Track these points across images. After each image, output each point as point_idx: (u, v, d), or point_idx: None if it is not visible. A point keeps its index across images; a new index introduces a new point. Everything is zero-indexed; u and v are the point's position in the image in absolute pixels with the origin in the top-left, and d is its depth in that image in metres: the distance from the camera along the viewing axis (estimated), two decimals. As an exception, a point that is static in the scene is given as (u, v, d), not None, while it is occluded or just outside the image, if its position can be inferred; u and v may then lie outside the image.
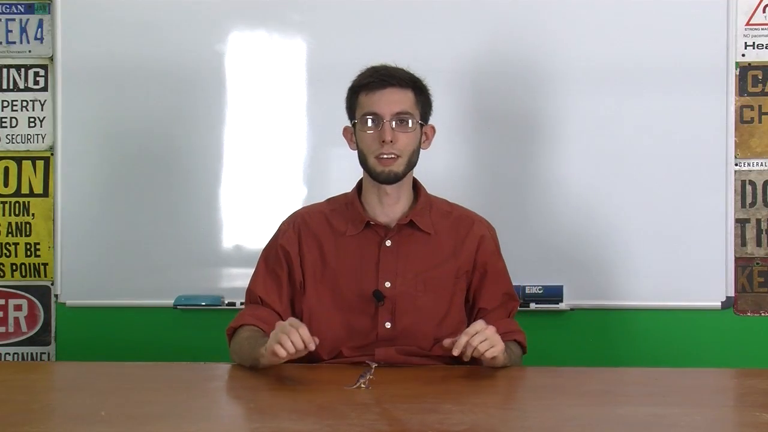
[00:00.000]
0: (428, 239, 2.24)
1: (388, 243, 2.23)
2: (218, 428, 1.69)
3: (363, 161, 2.20)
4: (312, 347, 1.95)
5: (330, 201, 2.32)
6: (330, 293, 2.22)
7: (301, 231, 2.26)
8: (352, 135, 2.23)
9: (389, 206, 2.23)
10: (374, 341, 2.19)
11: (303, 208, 2.35)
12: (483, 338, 1.98)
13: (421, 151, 2.24)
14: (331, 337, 2.20)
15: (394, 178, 2.17)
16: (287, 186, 2.98)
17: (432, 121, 2.27)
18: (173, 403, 1.82)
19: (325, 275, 2.24)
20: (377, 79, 2.16)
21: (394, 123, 2.14)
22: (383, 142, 2.13)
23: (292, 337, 1.94)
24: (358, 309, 2.21)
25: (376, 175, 2.18)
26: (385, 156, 2.15)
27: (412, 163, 2.21)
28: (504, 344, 2.10)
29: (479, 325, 2.01)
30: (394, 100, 2.15)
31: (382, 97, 2.15)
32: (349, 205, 2.26)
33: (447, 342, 2.01)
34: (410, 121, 2.16)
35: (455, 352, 1.98)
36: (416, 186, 2.28)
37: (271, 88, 2.98)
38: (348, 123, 2.26)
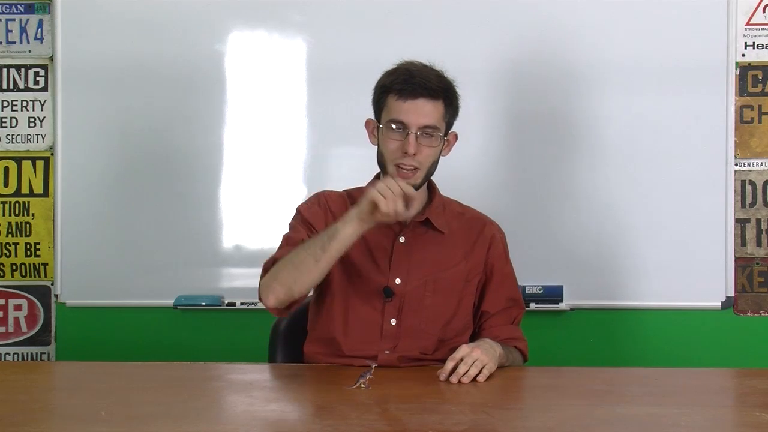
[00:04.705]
0: (441, 239, 2.24)
1: (402, 239, 2.22)
2: (218, 428, 1.69)
3: (382, 164, 2.19)
4: (412, 211, 2.05)
5: (348, 194, 2.29)
6: (340, 281, 2.22)
7: (328, 204, 2.24)
8: (374, 129, 2.21)
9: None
10: (378, 337, 2.19)
11: (322, 191, 2.32)
12: (471, 361, 1.97)
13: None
14: (336, 324, 2.20)
15: None
16: (287, 186, 2.98)
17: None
18: (173, 403, 1.82)
19: (337, 263, 2.22)
20: (410, 86, 2.13)
21: (419, 133, 2.12)
22: (405, 153, 2.12)
23: (398, 201, 1.98)
24: (366, 302, 2.20)
25: None
26: (405, 168, 2.14)
27: (430, 174, 2.20)
28: (501, 350, 2.10)
29: (464, 350, 2.00)
30: (423, 113, 2.13)
31: (412, 107, 2.12)
32: None
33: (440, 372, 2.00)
34: (435, 135, 2.15)
35: (442, 378, 1.97)
36: (430, 186, 2.28)
37: (271, 88, 2.98)
38: (371, 113, 2.23)
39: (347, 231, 2.04)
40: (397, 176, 2.14)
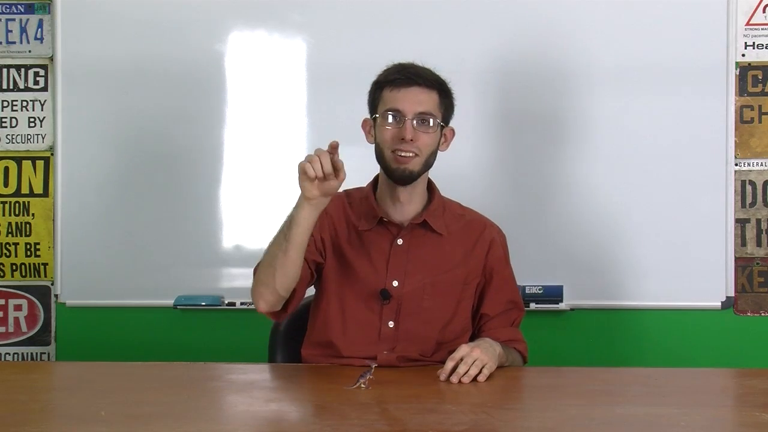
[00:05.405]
0: (440, 241, 2.23)
1: (400, 241, 2.22)
2: (218, 428, 1.69)
3: (379, 155, 2.19)
4: (342, 176, 1.99)
5: (347, 193, 2.29)
6: (337, 283, 2.22)
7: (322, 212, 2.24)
8: (371, 128, 2.22)
9: (403, 205, 2.22)
10: (376, 340, 2.19)
11: None
12: (471, 361, 1.97)
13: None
14: (333, 327, 2.20)
15: (409, 177, 2.16)
16: (287, 186, 2.95)
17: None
18: (173, 403, 1.82)
19: (334, 264, 2.23)
20: (404, 76, 2.15)
21: (415, 122, 2.13)
22: (402, 139, 2.12)
23: (322, 159, 1.97)
24: (364, 304, 2.20)
25: (391, 172, 2.16)
26: (403, 154, 2.13)
27: (428, 164, 2.20)
28: (501, 349, 2.10)
29: (464, 349, 1.99)
30: (419, 100, 2.14)
31: (407, 95, 2.14)
32: (364, 199, 2.25)
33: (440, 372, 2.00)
34: (432, 122, 2.15)
35: (442, 378, 1.97)
36: (430, 187, 2.27)
37: (271, 88, 2.98)
38: (368, 116, 2.24)
39: (302, 214, 2.05)
40: (394, 161, 2.14)
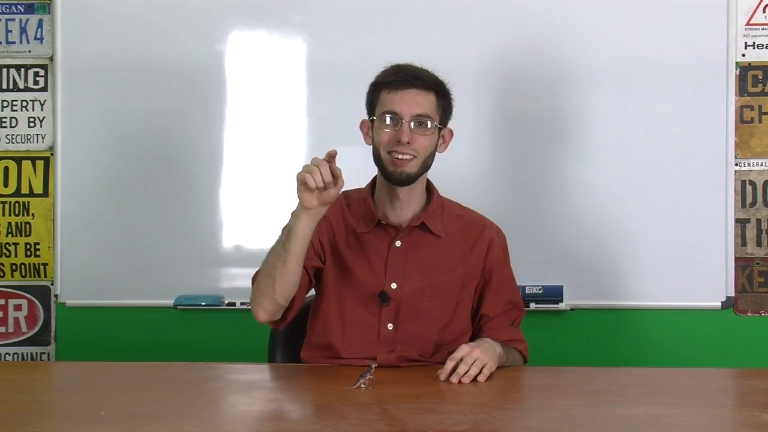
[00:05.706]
0: (438, 243, 2.23)
1: (398, 243, 2.22)
2: (218, 428, 1.69)
3: (377, 157, 2.18)
4: (341, 183, 1.99)
5: (346, 195, 2.28)
6: (336, 286, 2.22)
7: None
8: (368, 129, 2.21)
9: (401, 206, 2.22)
10: (375, 342, 2.19)
11: None
12: (471, 361, 1.97)
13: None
14: (332, 329, 2.20)
15: (406, 180, 2.16)
16: (287, 186, 2.96)
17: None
18: (173, 403, 1.82)
19: (333, 267, 2.23)
20: (401, 78, 2.14)
21: (412, 124, 2.13)
22: (399, 142, 2.12)
23: (321, 169, 1.97)
24: (362, 306, 2.20)
25: (389, 175, 2.16)
26: (400, 156, 2.13)
27: (426, 166, 2.19)
28: (501, 349, 2.10)
29: (464, 349, 1.99)
30: (416, 102, 2.14)
31: (404, 98, 2.13)
32: (362, 201, 2.25)
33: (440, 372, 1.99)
34: (429, 124, 2.14)
35: (442, 378, 1.97)
36: (429, 188, 2.27)
37: (271, 88, 2.98)
38: (365, 117, 2.23)
39: (300, 225, 2.05)
40: (391, 164, 2.14)
